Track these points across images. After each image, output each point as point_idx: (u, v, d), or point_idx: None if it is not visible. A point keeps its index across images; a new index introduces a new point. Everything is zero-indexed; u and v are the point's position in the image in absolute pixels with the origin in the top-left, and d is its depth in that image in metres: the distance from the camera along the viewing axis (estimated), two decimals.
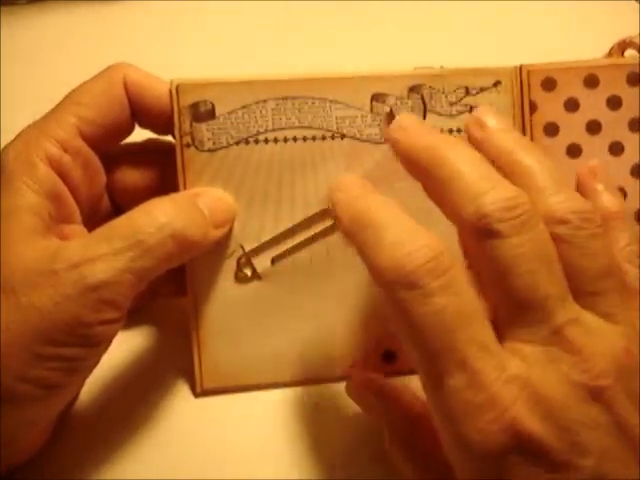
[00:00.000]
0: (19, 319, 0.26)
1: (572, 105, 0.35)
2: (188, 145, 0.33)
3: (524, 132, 0.35)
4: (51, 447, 0.32)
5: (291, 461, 0.33)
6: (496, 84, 0.34)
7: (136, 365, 0.34)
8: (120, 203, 0.34)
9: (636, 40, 0.38)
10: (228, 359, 0.34)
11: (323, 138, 0.34)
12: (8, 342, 0.26)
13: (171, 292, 0.35)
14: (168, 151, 0.33)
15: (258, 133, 0.33)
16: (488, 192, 0.26)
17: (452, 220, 0.28)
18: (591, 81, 0.35)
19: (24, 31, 0.49)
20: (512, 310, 0.26)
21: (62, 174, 0.30)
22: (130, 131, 0.33)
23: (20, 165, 0.30)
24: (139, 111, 0.32)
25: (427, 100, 0.34)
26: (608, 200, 0.32)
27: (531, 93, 0.35)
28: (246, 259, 0.34)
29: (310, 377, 0.35)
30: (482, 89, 0.34)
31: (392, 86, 0.34)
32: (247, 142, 0.33)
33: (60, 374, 0.27)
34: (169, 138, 0.34)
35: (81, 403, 0.33)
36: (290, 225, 0.34)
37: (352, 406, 0.33)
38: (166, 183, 0.34)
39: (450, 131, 0.34)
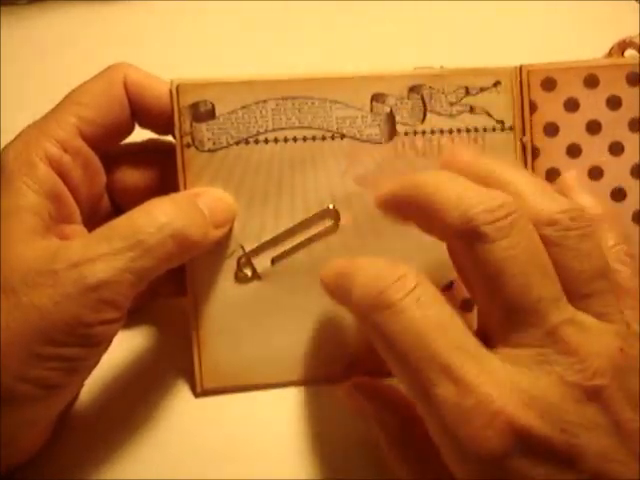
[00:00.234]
0: (19, 319, 0.26)
1: (572, 105, 0.35)
2: (188, 145, 0.33)
3: (524, 132, 0.35)
4: (51, 447, 0.32)
5: (291, 461, 0.33)
6: (496, 84, 0.34)
7: (136, 365, 0.34)
8: (120, 203, 0.34)
9: (636, 40, 0.38)
10: (228, 359, 0.34)
11: (323, 138, 0.34)
12: (8, 342, 0.26)
13: (171, 292, 0.35)
14: (168, 151, 0.33)
15: (258, 133, 0.33)
16: (472, 197, 0.26)
17: (442, 237, 0.28)
18: (591, 81, 0.35)
19: (24, 31, 0.49)
20: (504, 315, 0.26)
21: (62, 174, 0.30)
22: (130, 131, 0.33)
23: (20, 165, 0.30)
24: (139, 111, 0.32)
25: (427, 100, 0.34)
26: (591, 203, 0.32)
27: (531, 93, 0.35)
28: (246, 259, 0.34)
29: (310, 377, 0.34)
30: (482, 89, 0.34)
31: (392, 86, 0.34)
32: (247, 142, 0.33)
33: (60, 374, 0.27)
34: (169, 138, 0.34)
35: (81, 403, 0.33)
36: (290, 225, 0.34)
37: None
38: (166, 183, 0.34)
39: (450, 131, 0.34)
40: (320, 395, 0.34)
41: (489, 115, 0.34)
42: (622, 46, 0.38)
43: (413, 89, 0.34)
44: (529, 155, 0.35)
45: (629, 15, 0.49)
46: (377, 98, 0.34)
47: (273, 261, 0.34)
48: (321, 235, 0.34)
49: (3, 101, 0.43)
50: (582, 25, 0.49)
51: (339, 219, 0.34)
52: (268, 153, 0.33)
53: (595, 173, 0.35)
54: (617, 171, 0.35)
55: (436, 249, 0.34)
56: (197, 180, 0.33)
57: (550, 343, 0.26)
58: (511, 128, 0.35)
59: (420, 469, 0.29)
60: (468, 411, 0.25)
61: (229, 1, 0.50)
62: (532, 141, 0.35)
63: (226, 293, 0.34)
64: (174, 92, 0.32)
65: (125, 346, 0.34)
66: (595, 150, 0.35)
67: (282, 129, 0.33)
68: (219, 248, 0.33)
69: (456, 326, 0.26)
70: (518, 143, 0.35)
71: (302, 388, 0.35)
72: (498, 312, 0.26)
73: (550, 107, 0.35)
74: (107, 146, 0.33)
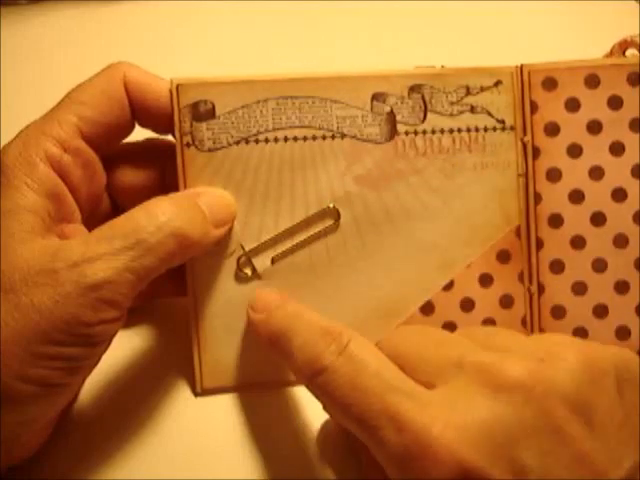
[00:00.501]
0: (19, 318, 0.26)
1: (573, 105, 0.35)
2: (188, 145, 0.33)
3: (525, 132, 0.35)
4: (51, 446, 0.32)
5: (291, 460, 0.33)
6: (497, 84, 0.34)
7: (136, 365, 0.34)
8: (120, 202, 0.34)
9: (637, 40, 0.38)
10: (228, 359, 0.34)
11: (323, 138, 0.34)
12: (8, 341, 0.26)
13: (171, 292, 0.35)
14: (168, 150, 0.33)
15: (258, 133, 0.33)
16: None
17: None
18: (592, 81, 0.35)
19: (24, 31, 0.49)
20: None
21: (62, 174, 0.30)
22: (130, 130, 0.33)
23: (20, 165, 0.30)
24: (139, 110, 0.32)
25: (428, 99, 0.34)
26: None
27: (532, 93, 0.35)
28: (246, 259, 0.34)
29: None
30: (483, 89, 0.34)
31: (393, 86, 0.34)
32: (247, 142, 0.33)
33: (60, 373, 0.27)
34: (169, 137, 0.34)
35: (81, 402, 0.33)
36: (290, 225, 0.34)
37: None
38: (166, 182, 0.34)
39: (451, 131, 0.34)
40: None
41: (490, 115, 0.34)
42: (623, 46, 0.38)
43: (414, 89, 0.34)
44: (530, 155, 0.35)
45: (629, 15, 0.49)
46: (378, 97, 0.34)
47: (273, 261, 0.34)
48: (321, 234, 0.34)
49: (3, 101, 0.43)
50: (582, 25, 0.49)
51: (339, 218, 0.34)
52: (268, 153, 0.33)
53: (596, 173, 0.35)
54: (618, 171, 0.35)
55: (436, 249, 0.34)
56: (197, 179, 0.33)
57: (472, 372, 0.27)
58: (512, 128, 0.35)
59: None
60: (409, 447, 0.25)
61: (229, 1, 0.50)
62: (533, 141, 0.35)
63: (226, 293, 0.34)
64: (174, 91, 0.32)
65: (125, 346, 0.34)
66: (596, 150, 0.35)
67: (282, 129, 0.33)
68: (219, 248, 0.33)
69: (390, 370, 0.28)
70: (519, 143, 0.35)
71: (301, 388, 0.34)
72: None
73: (551, 107, 0.35)
74: (107, 145, 0.33)
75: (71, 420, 0.33)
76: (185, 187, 0.33)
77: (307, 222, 0.34)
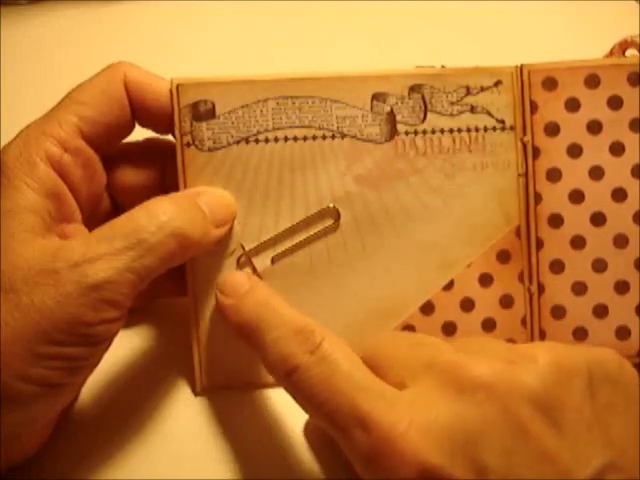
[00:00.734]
0: (20, 318, 0.26)
1: (573, 105, 0.35)
2: (188, 144, 0.33)
3: (525, 132, 0.35)
4: (51, 446, 0.32)
5: (291, 459, 0.33)
6: (497, 84, 0.34)
7: (136, 364, 0.34)
8: (120, 202, 0.34)
9: (637, 40, 0.38)
10: (228, 358, 0.34)
11: (323, 137, 0.34)
12: (8, 341, 0.26)
13: (171, 292, 0.35)
14: (168, 150, 0.33)
15: (258, 132, 0.33)
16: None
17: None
18: (592, 81, 0.35)
19: (24, 31, 0.49)
20: None
21: (62, 173, 0.30)
22: (130, 130, 0.33)
23: (20, 164, 0.30)
24: (139, 110, 0.32)
25: (428, 99, 0.34)
26: None
27: (532, 93, 0.35)
28: (246, 258, 0.34)
29: None
30: (483, 89, 0.34)
31: (393, 85, 0.34)
32: (247, 141, 0.33)
33: (61, 373, 0.27)
34: (169, 137, 0.34)
35: (81, 402, 0.33)
36: (290, 224, 0.34)
37: None
38: (166, 182, 0.34)
39: (451, 131, 0.34)
40: None
41: (490, 115, 0.34)
42: (623, 46, 0.38)
43: (414, 88, 0.34)
44: (530, 155, 0.35)
45: (629, 15, 0.49)
46: (378, 97, 0.34)
47: (273, 260, 0.34)
48: (321, 234, 0.34)
49: (3, 101, 0.43)
50: (582, 25, 0.49)
51: (339, 218, 0.34)
52: (268, 152, 0.33)
53: (596, 173, 0.35)
54: (618, 171, 0.35)
55: (436, 249, 0.34)
56: (197, 179, 0.33)
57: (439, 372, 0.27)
58: (512, 128, 0.35)
59: None
60: (375, 447, 0.26)
61: (229, 1, 0.50)
62: (533, 141, 0.35)
63: None
64: (174, 91, 0.32)
65: (125, 346, 0.34)
66: (596, 150, 0.35)
67: (282, 128, 0.33)
68: (219, 247, 0.33)
69: (360, 371, 0.28)
70: (519, 143, 0.35)
71: None
72: None
73: (551, 107, 0.35)
74: (107, 145, 0.33)
75: (71, 420, 0.33)
76: (185, 187, 0.33)
77: (307, 222, 0.34)
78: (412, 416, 0.26)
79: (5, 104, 0.43)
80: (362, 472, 0.27)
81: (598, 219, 0.35)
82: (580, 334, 0.35)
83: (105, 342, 0.29)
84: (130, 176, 0.34)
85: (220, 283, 0.32)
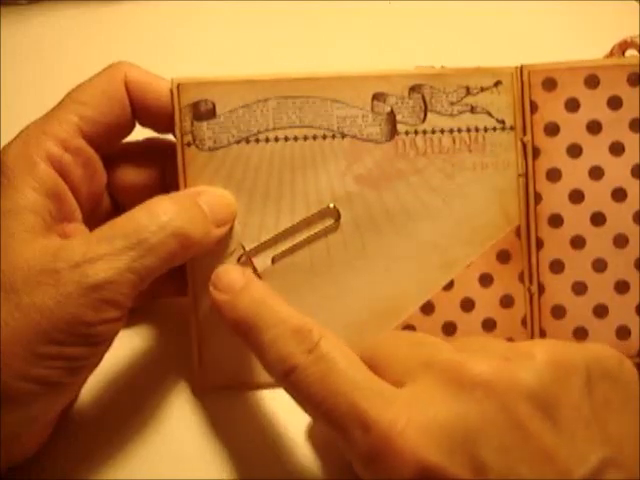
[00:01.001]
0: (20, 318, 0.26)
1: (573, 105, 0.35)
2: (189, 144, 0.33)
3: (525, 132, 0.35)
4: (51, 446, 0.32)
5: (291, 459, 0.33)
6: (497, 84, 0.34)
7: (136, 365, 0.34)
8: (121, 202, 0.34)
9: (637, 40, 0.38)
10: (228, 358, 0.34)
11: (324, 137, 0.34)
12: (9, 340, 0.26)
13: (171, 292, 0.35)
14: (169, 150, 0.33)
15: (259, 132, 0.33)
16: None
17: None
18: (592, 81, 0.35)
19: (24, 31, 0.49)
20: None
21: (63, 173, 0.30)
22: (131, 130, 0.33)
23: (21, 164, 0.30)
24: (140, 110, 0.32)
25: (428, 100, 0.34)
26: None
27: (532, 93, 0.35)
28: (246, 258, 0.34)
29: None
30: (483, 89, 0.34)
31: (393, 85, 0.34)
32: (248, 141, 0.33)
33: (61, 373, 0.27)
34: (170, 137, 0.34)
35: (81, 402, 0.33)
36: (290, 224, 0.34)
37: None
38: (167, 182, 0.34)
39: (451, 131, 0.34)
40: None
41: (490, 115, 0.34)
42: (623, 46, 0.38)
43: (414, 89, 0.34)
44: (530, 155, 0.35)
45: (629, 15, 0.49)
46: (378, 97, 0.34)
47: (273, 260, 0.34)
48: (321, 234, 0.34)
49: (3, 101, 0.43)
50: (582, 25, 0.49)
51: (339, 218, 0.34)
52: (269, 152, 0.33)
53: (596, 173, 0.35)
54: (618, 171, 0.35)
55: (436, 249, 0.34)
56: (198, 179, 0.33)
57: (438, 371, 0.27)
58: (512, 128, 0.35)
59: None
60: (374, 446, 0.26)
61: (230, 1, 0.50)
62: (533, 141, 0.35)
63: None
64: (175, 91, 0.32)
65: (125, 346, 0.34)
66: (596, 150, 0.35)
67: (283, 128, 0.33)
68: (219, 247, 0.33)
69: (358, 369, 0.28)
70: (519, 143, 0.35)
71: None
72: None
73: (551, 107, 0.35)
74: (108, 145, 0.33)
75: (71, 420, 0.33)
76: (186, 186, 0.33)
77: (307, 222, 0.34)
78: (410, 414, 0.26)
79: (5, 104, 0.43)
80: (361, 471, 0.27)
81: (598, 219, 0.35)
82: (580, 334, 0.35)
83: (105, 342, 0.29)
84: (130, 176, 0.34)
85: (214, 278, 0.32)
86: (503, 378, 0.26)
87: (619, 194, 0.35)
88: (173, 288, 0.35)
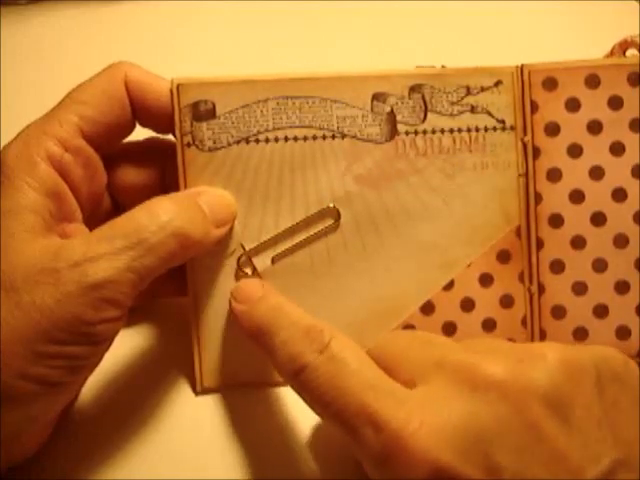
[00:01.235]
0: (20, 317, 0.26)
1: (573, 105, 0.35)
2: (189, 144, 0.33)
3: (525, 132, 0.35)
4: (52, 446, 0.32)
5: (292, 459, 0.33)
6: (497, 84, 0.34)
7: (137, 364, 0.34)
8: (121, 202, 0.34)
9: (637, 40, 0.38)
10: (228, 357, 0.34)
11: (324, 137, 0.34)
12: (9, 340, 0.26)
13: (171, 292, 0.35)
14: (169, 150, 0.33)
15: (259, 132, 0.33)
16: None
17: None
18: (592, 81, 0.35)
19: (24, 31, 0.49)
20: None
21: (63, 173, 0.30)
22: (131, 130, 0.33)
23: (21, 164, 0.30)
24: (140, 110, 0.32)
25: (428, 99, 0.34)
26: None
27: (532, 93, 0.35)
28: (246, 258, 0.34)
29: None
30: (483, 89, 0.34)
31: (393, 85, 0.34)
32: (247, 141, 0.33)
33: (61, 372, 0.27)
34: (170, 137, 0.34)
35: (82, 401, 0.33)
36: (290, 224, 0.34)
37: None
38: (167, 182, 0.34)
39: (451, 131, 0.34)
40: None
41: (490, 115, 0.34)
42: (623, 46, 0.38)
43: (414, 88, 0.34)
44: (530, 155, 0.35)
45: (629, 15, 0.49)
46: (378, 97, 0.34)
47: (273, 260, 0.34)
48: (321, 234, 0.34)
49: (3, 101, 0.43)
50: (582, 25, 0.49)
51: (339, 218, 0.34)
52: (268, 152, 0.33)
53: (596, 173, 0.35)
54: (618, 171, 0.35)
55: (436, 249, 0.34)
56: (197, 179, 0.33)
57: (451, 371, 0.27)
58: (512, 128, 0.35)
59: None
60: (386, 446, 0.25)
61: (230, 1, 0.50)
62: (533, 141, 0.35)
63: (226, 292, 0.33)
64: (175, 91, 0.32)
65: (126, 345, 0.34)
66: (596, 150, 0.35)
67: (283, 128, 0.33)
68: (219, 247, 0.33)
69: (369, 369, 0.28)
70: (519, 143, 0.35)
71: None
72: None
73: (551, 107, 0.35)
74: (108, 145, 0.33)
75: (71, 420, 0.33)
76: (185, 187, 0.33)
77: (307, 222, 0.34)
78: (423, 415, 0.26)
79: (5, 104, 0.43)
80: (372, 472, 0.27)
81: (598, 219, 0.35)
82: (580, 334, 0.35)
83: (106, 341, 0.29)
84: (131, 176, 0.34)
85: (234, 291, 0.32)
86: (517, 379, 0.26)
87: (619, 194, 0.35)
88: (173, 288, 0.35)
